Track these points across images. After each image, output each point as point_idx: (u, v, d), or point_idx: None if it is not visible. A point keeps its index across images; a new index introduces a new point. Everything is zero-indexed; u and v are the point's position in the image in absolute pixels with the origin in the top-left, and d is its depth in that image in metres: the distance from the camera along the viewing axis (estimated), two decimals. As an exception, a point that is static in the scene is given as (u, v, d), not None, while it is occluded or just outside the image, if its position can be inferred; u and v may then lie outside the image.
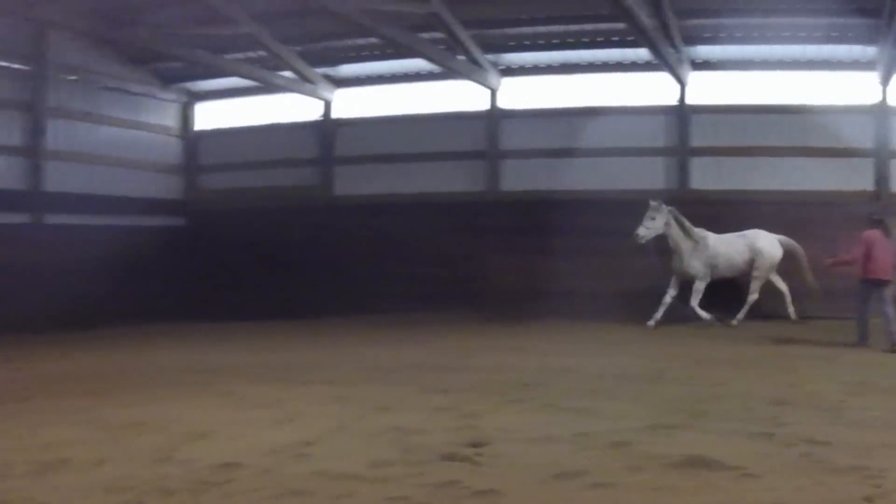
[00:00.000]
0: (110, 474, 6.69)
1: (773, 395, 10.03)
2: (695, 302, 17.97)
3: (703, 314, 17.79)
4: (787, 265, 18.64)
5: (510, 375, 11.60)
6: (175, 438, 7.86)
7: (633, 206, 18.24)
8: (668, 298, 18.23)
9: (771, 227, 18.83)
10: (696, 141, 20.97)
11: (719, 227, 18.80)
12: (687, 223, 18.07)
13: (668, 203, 18.13)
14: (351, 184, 24.13)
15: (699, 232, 18.25)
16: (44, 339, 16.83)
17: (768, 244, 18.60)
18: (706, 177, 20.82)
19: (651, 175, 21.00)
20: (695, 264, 18.17)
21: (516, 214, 21.06)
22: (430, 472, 6.64)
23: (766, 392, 10.22)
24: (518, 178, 22.29)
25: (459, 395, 10.06)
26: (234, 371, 12.44)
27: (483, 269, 21.14)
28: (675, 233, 18.02)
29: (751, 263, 18.52)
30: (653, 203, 17.75)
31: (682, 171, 20.91)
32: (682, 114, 21.00)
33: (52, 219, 21.72)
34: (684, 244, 18.13)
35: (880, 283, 14.78)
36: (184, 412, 9.18)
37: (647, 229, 17.60)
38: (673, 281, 18.40)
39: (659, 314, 18.02)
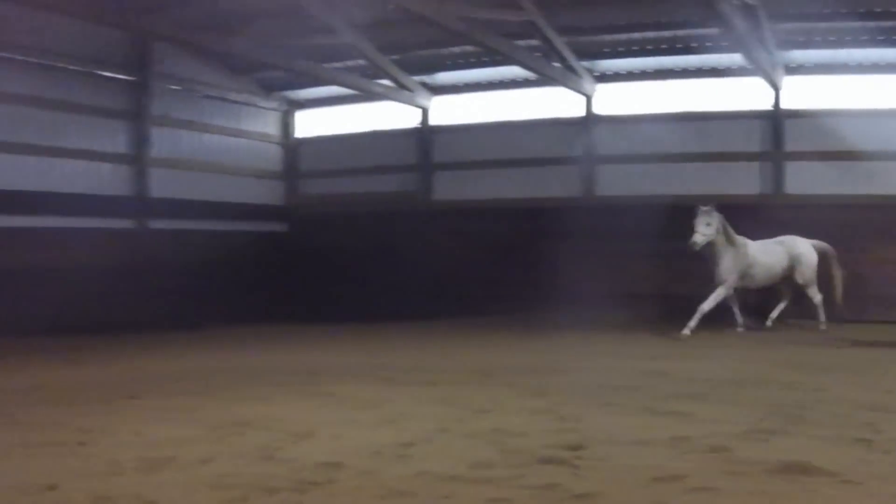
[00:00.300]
0: (215, 472, 6.80)
1: (870, 400, 9.87)
2: (708, 307, 17.12)
3: (694, 323, 16.89)
4: (821, 270, 18.27)
5: (606, 378, 11.57)
6: (279, 438, 7.95)
7: (727, 210, 18.14)
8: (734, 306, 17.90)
9: (868, 233, 18.55)
10: (792, 146, 20.65)
11: (815, 233, 18.57)
12: (730, 229, 17.52)
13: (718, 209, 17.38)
14: (449, 189, 24.34)
15: (740, 239, 17.71)
16: (150, 340, 17.12)
17: (807, 250, 18.17)
18: (801, 181, 20.51)
19: (744, 180, 20.78)
20: (730, 271, 17.46)
21: (611, 219, 20.91)
22: (529, 475, 6.65)
23: (863, 397, 10.06)
24: (613, 184, 22.28)
25: (557, 398, 10.06)
26: (336, 372, 12.55)
27: (579, 274, 21.05)
28: (721, 239, 17.33)
29: (790, 270, 18.09)
30: (704, 208, 17.03)
31: (777, 176, 20.61)
32: (776, 118, 20.69)
33: (157, 224, 22.15)
34: (727, 251, 17.42)
35: None
36: (287, 412, 9.28)
37: (704, 235, 16.89)
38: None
39: (740, 319, 17.83)
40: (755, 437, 7.88)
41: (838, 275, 18.01)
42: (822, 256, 18.12)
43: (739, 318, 17.83)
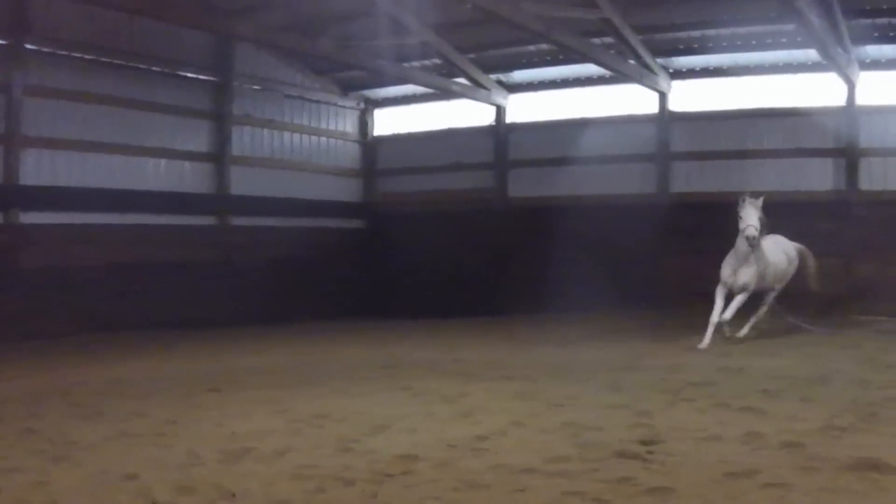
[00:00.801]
0: (294, 463, 6.94)
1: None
2: (729, 315, 15.18)
3: (709, 337, 14.93)
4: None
5: (682, 375, 11.55)
6: (357, 430, 8.05)
7: (800, 207, 17.99)
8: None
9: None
10: (866, 142, 20.38)
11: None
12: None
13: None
14: (524, 186, 24.36)
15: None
16: (231, 336, 17.32)
17: (795, 251, 16.98)
18: (875, 178, 20.23)
19: (820, 176, 20.53)
20: (755, 274, 15.42)
21: (687, 216, 20.75)
22: (604, 469, 6.69)
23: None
24: (689, 180, 22.16)
25: (633, 394, 10.07)
26: (413, 366, 12.70)
27: (656, 271, 20.96)
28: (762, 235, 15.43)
29: (786, 273, 16.67)
30: (753, 198, 15.11)
31: (851, 172, 20.36)
32: (850, 114, 20.41)
33: (238, 221, 22.38)
34: (758, 250, 15.33)
35: None
36: (366, 405, 9.39)
37: (758, 227, 14.92)
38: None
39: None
40: (828, 433, 7.83)
41: (815, 277, 17.05)
42: (801, 258, 17.12)
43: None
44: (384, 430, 8.08)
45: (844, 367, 12.11)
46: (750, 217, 14.69)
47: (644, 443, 7.46)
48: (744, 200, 14.89)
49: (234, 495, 6.12)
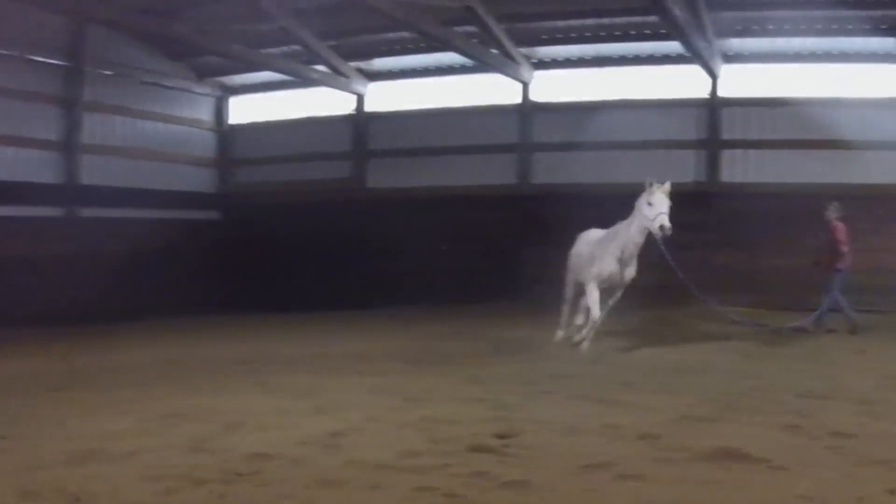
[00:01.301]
0: (143, 464, 6.80)
1: (803, 386, 10.06)
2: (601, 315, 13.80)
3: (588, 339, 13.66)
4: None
5: (542, 367, 11.65)
6: (210, 428, 7.96)
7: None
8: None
9: (801, 223, 18.69)
10: (727, 134, 20.85)
11: (758, 222, 18.87)
12: None
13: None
14: (384, 177, 24.27)
15: None
16: (80, 331, 16.95)
17: None
18: (735, 170, 20.73)
19: (680, 168, 20.91)
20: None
21: (548, 207, 20.95)
22: (458, 463, 6.71)
23: (796, 384, 10.23)
24: (550, 171, 22.29)
25: (492, 386, 10.14)
26: (270, 361, 12.61)
27: (517, 262, 21.13)
28: None
29: None
30: (661, 185, 13.42)
31: (713, 164, 20.80)
32: (713, 107, 20.88)
33: (88, 212, 21.89)
34: None
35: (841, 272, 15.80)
36: (219, 402, 9.28)
37: None
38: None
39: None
40: (686, 424, 8.01)
41: None
42: None
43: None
44: (237, 428, 7.97)
45: (705, 358, 12.44)
46: (661, 205, 12.85)
47: (500, 436, 7.50)
48: (651, 185, 12.99)
49: (78, 500, 5.96)
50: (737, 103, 20.86)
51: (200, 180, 25.82)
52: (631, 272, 13.51)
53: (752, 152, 20.68)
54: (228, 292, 22.49)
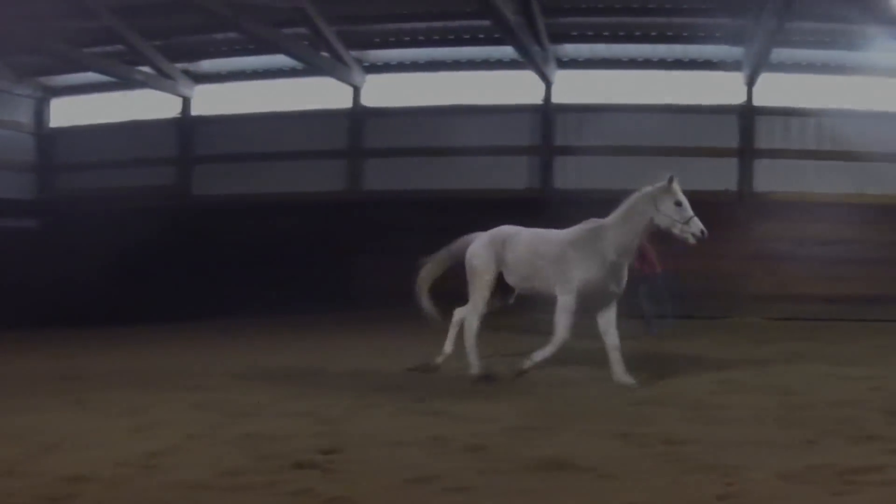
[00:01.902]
0: (-54, 492, 6.52)
1: (633, 394, 10.22)
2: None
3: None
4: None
5: (371, 379, 11.57)
6: (23, 451, 7.65)
7: (498, 204, 18.53)
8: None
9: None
10: (561, 140, 21.19)
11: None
12: None
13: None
14: (211, 183, 24.01)
15: None
16: None
17: None
18: (569, 176, 21.09)
19: (515, 174, 21.21)
20: None
21: (381, 214, 21.01)
22: (282, 481, 6.55)
23: (625, 392, 10.40)
24: (384, 178, 22.30)
25: (318, 400, 9.98)
26: (91, 377, 12.18)
27: (348, 271, 21.12)
28: None
29: None
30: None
31: (546, 170, 21.10)
32: (546, 112, 21.18)
33: None
34: None
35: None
36: (35, 422, 8.93)
37: None
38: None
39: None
40: (514, 434, 8.02)
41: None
42: None
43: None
44: (53, 450, 7.66)
45: (541, 367, 12.58)
46: (688, 205, 11.41)
47: (325, 452, 7.37)
48: (672, 182, 11.33)
49: None
50: (570, 109, 21.24)
51: (17, 186, 25.12)
52: (623, 283, 11.67)
53: (585, 158, 21.07)
54: (45, 303, 21.91)
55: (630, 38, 20.73)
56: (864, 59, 20.74)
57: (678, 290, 17.54)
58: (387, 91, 22.97)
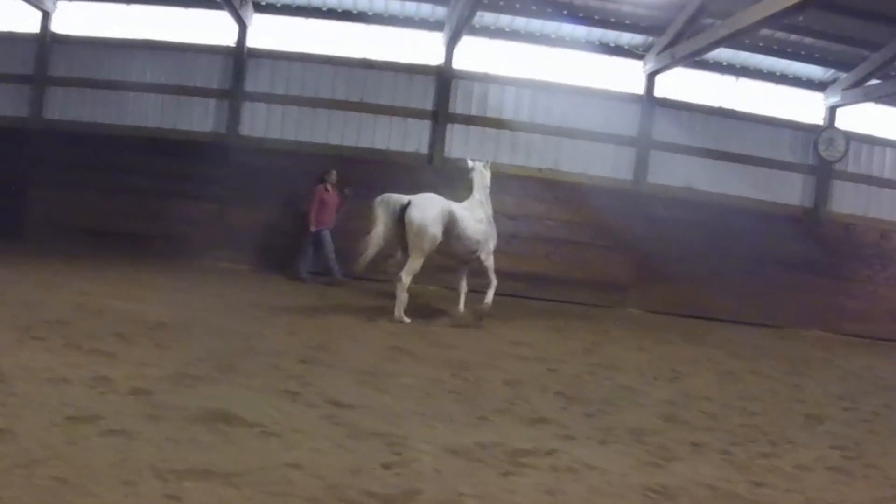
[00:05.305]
0: None
1: (304, 353, 10.42)
2: None
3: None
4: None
5: (36, 312, 11.34)
6: None
7: (178, 146, 19.29)
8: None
9: (310, 181, 19.44)
10: (252, 86, 21.26)
11: (270, 178, 19.56)
12: None
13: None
14: (65, 109, 21.83)
15: None
16: None
17: None
18: (257, 125, 21.22)
19: (202, 116, 21.07)
20: None
21: (60, 147, 20.40)
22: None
23: (298, 350, 10.60)
24: (65, 108, 21.52)
25: (-11, 330, 9.81)
26: None
27: (25, 202, 20.41)
28: None
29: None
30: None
31: (234, 116, 21.10)
32: (239, 56, 21.18)
33: None
34: None
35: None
36: None
37: None
38: None
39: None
40: (180, 382, 8.11)
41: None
42: None
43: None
44: None
45: (208, 316, 12.56)
46: None
47: (-14, 386, 7.26)
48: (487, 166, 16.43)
49: None
50: (265, 55, 21.30)
51: None
52: None
53: (275, 107, 21.18)
54: None
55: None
56: (573, 32, 21.78)
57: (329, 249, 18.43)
58: (77, 21, 21.89)
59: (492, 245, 15.68)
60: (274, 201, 20.11)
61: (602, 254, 20.92)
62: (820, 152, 22.22)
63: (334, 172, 18.75)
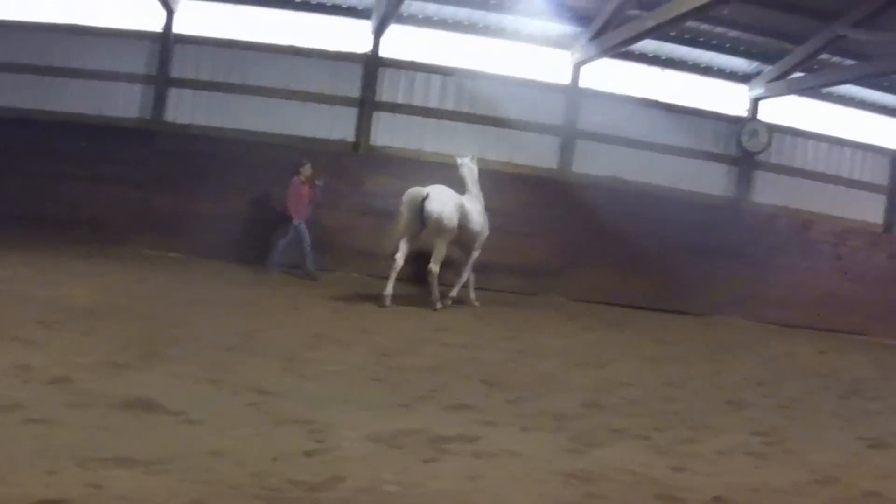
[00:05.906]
0: None
1: (229, 340, 10.39)
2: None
3: None
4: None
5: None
6: None
7: (102, 131, 19.09)
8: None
9: (243, 169, 19.62)
10: (178, 72, 21.11)
11: (195, 165, 19.49)
12: None
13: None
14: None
15: None
16: None
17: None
18: (183, 111, 21.07)
19: (126, 103, 20.89)
20: None
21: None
22: None
23: (223, 337, 10.56)
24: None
25: None
26: None
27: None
28: None
29: None
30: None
31: (159, 102, 20.94)
32: (165, 42, 21.01)
33: None
34: None
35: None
36: None
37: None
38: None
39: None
40: (103, 370, 8.05)
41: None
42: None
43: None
44: None
45: (131, 303, 12.44)
46: None
47: None
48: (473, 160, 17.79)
49: None
50: (192, 41, 21.16)
51: None
52: None
53: (201, 93, 21.07)
54: None
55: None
56: (500, 21, 21.88)
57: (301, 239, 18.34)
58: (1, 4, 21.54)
59: (483, 237, 16.89)
60: (198, 188, 19.92)
61: (526, 242, 20.93)
62: (743, 143, 22.62)
63: (308, 165, 18.62)
